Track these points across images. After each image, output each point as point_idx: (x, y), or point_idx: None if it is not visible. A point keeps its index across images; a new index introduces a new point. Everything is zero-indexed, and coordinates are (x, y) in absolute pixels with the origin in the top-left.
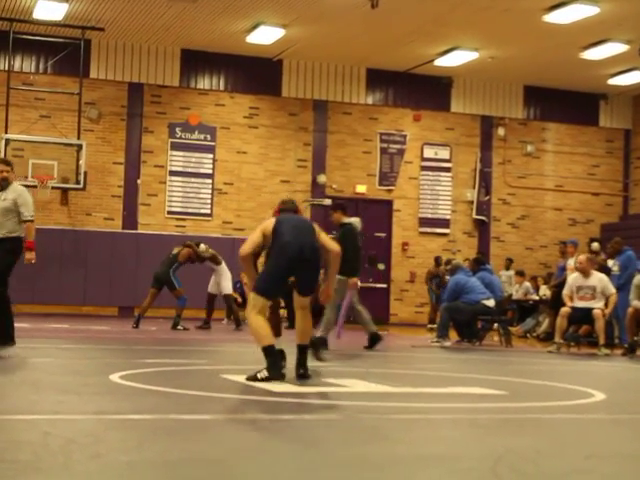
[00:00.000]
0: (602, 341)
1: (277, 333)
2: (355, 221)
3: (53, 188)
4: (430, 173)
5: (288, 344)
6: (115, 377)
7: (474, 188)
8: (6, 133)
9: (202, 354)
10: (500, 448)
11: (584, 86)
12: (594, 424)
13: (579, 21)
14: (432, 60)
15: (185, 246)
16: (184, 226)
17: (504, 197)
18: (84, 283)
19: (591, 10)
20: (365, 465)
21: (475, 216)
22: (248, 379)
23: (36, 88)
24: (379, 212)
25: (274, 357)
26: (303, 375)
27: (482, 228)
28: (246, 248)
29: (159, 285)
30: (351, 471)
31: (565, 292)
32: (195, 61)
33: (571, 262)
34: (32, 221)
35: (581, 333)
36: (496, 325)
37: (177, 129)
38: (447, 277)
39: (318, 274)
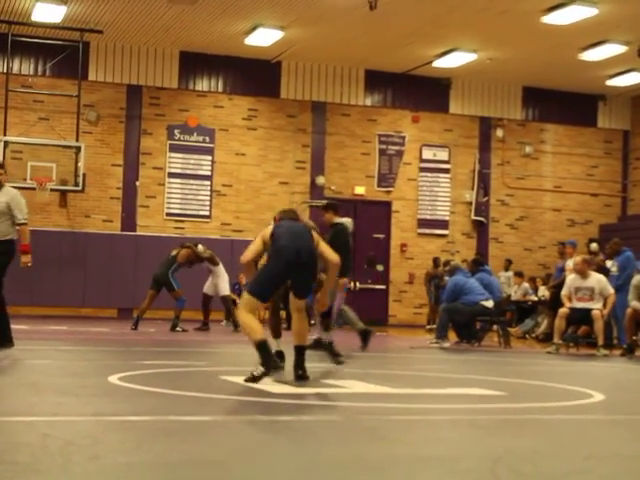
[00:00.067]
0: (601, 342)
1: (277, 334)
2: (347, 221)
3: (52, 190)
4: (429, 174)
5: (287, 345)
6: (114, 379)
7: (473, 189)
8: (5, 135)
9: (201, 355)
10: (499, 449)
11: (583, 87)
12: (593, 425)
13: (578, 22)
14: (431, 61)
15: (184, 247)
16: (183, 228)
17: (503, 198)
18: (83, 285)
19: (590, 11)
20: (364, 466)
21: (474, 217)
22: (246, 380)
23: (35, 90)
24: (378, 213)
25: (267, 351)
26: (302, 376)
27: (481, 229)
28: (248, 255)
29: (158, 286)
30: (350, 472)
31: (563, 293)
32: (194, 63)
33: (570, 263)
34: (26, 224)
35: (580, 334)
36: (495, 326)
37: (176, 131)
38: (446, 278)
39: (314, 277)
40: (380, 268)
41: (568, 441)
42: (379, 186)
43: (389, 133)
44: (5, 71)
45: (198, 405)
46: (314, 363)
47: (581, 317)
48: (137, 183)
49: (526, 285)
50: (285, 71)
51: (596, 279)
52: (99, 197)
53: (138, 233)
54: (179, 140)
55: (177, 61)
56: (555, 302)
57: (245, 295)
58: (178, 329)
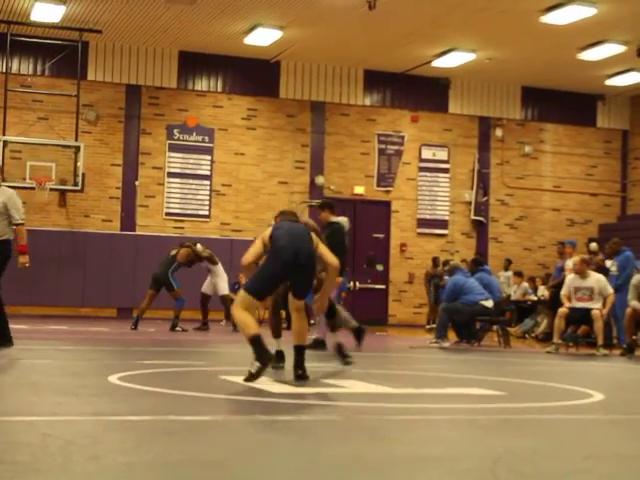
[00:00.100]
0: (600, 341)
1: (277, 334)
2: (343, 220)
3: (51, 190)
4: (428, 174)
5: (287, 344)
6: (113, 378)
7: (472, 189)
8: (4, 135)
9: (200, 355)
10: (499, 449)
11: (582, 87)
12: (592, 424)
13: (576, 22)
14: (430, 61)
15: (183, 247)
16: (182, 227)
17: (502, 198)
18: (82, 285)
19: (588, 11)
20: (364, 466)
21: (473, 217)
22: (246, 380)
23: (34, 90)
24: (377, 213)
25: (260, 345)
26: (301, 376)
27: (480, 229)
28: (248, 257)
29: (157, 286)
30: (350, 472)
31: (563, 293)
32: (193, 63)
33: (569, 263)
34: (23, 224)
35: (579, 333)
36: (495, 326)
37: (175, 131)
38: (446, 278)
39: (313, 278)
40: (380, 268)
41: (568, 441)
42: (378, 186)
43: (388, 133)
44: (4, 71)
45: (198, 405)
46: (314, 363)
47: (580, 317)
48: (136, 183)
49: (525, 285)
50: (284, 71)
51: (595, 279)
52: (98, 197)
53: (137, 233)
54: (178, 140)
55: (176, 61)
56: (555, 302)
57: (241, 292)
58: (178, 329)
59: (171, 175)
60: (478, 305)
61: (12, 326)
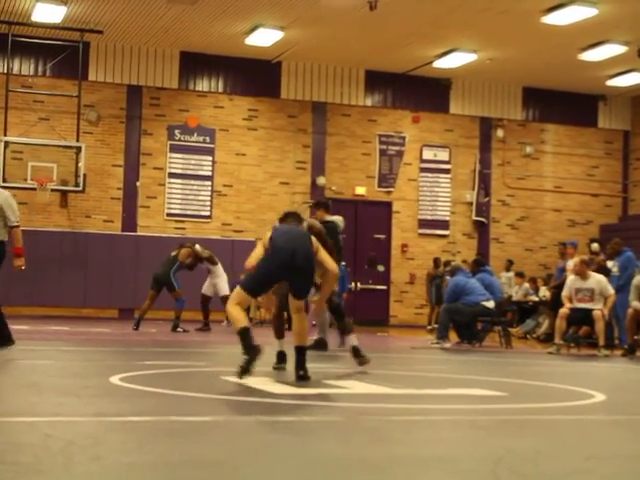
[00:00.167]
0: (602, 342)
1: (280, 335)
2: (338, 219)
3: (52, 190)
4: (429, 174)
5: (289, 345)
6: (115, 379)
7: (473, 189)
8: (5, 136)
9: (202, 356)
10: (500, 449)
11: (583, 87)
12: (594, 425)
13: (577, 22)
14: (431, 62)
15: (183, 247)
16: (183, 228)
17: (503, 198)
18: (84, 285)
19: (589, 11)
20: (365, 466)
21: (474, 217)
22: (238, 375)
23: (35, 91)
24: (378, 214)
25: (247, 338)
26: (303, 377)
27: (481, 229)
28: (251, 261)
29: (158, 286)
30: (351, 472)
31: (564, 294)
32: (194, 63)
33: (570, 263)
34: (18, 226)
35: (581, 334)
36: (496, 326)
37: (176, 131)
38: (447, 278)
39: (312, 279)
40: (381, 268)
41: (569, 441)
42: (380, 186)
43: (389, 133)
44: (5, 71)
45: (199, 405)
46: (315, 364)
47: (582, 317)
48: (137, 183)
49: (527, 285)
50: (285, 71)
51: (596, 280)
52: (100, 197)
53: (139, 233)
54: (179, 140)
55: (177, 61)
56: (556, 302)
57: (237, 288)
58: (179, 329)
59: (172, 176)
60: (479, 306)
61: (13, 327)
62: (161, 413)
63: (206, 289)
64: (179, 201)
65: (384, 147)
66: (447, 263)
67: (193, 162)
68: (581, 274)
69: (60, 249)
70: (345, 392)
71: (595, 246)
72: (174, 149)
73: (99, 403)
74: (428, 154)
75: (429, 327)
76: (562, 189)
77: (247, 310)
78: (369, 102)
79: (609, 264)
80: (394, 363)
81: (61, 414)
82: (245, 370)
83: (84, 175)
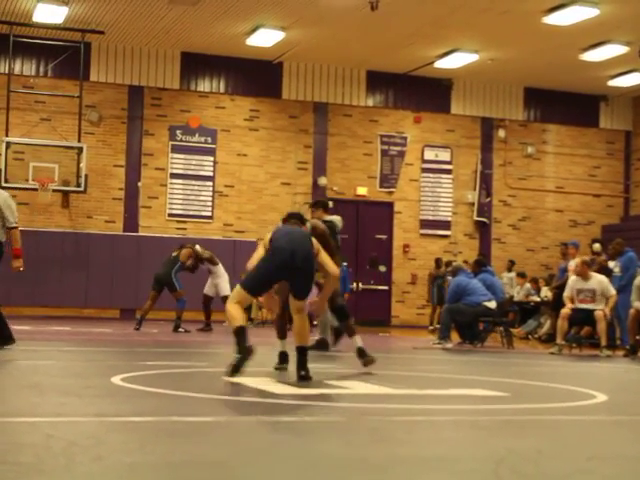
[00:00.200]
0: (604, 342)
1: (282, 335)
2: (336, 219)
3: (54, 191)
4: (431, 175)
5: (290, 346)
6: (117, 379)
7: (475, 190)
8: (7, 136)
9: (203, 356)
10: (502, 450)
11: (584, 88)
12: (596, 425)
13: (579, 23)
14: (432, 62)
15: (183, 247)
16: (185, 228)
17: (505, 199)
18: (85, 285)
19: (591, 12)
20: (367, 466)
21: (476, 218)
22: (228, 374)
23: (36, 91)
24: (380, 214)
25: (242, 338)
26: (304, 377)
27: (483, 230)
28: (253, 262)
29: (159, 287)
30: (353, 472)
31: (566, 294)
32: (195, 64)
33: (572, 263)
34: (17, 227)
35: (583, 334)
36: (498, 327)
37: (177, 132)
38: (449, 278)
39: (312, 279)
40: (383, 269)
41: (571, 442)
42: (381, 187)
43: (391, 134)
44: (7, 72)
45: (201, 406)
46: (316, 364)
47: (584, 318)
48: (139, 184)
49: (528, 286)
50: (287, 72)
51: (597, 280)
52: (101, 198)
53: (140, 234)
54: (181, 141)
55: (178, 62)
56: (558, 303)
57: (237, 287)
58: (181, 330)
59: (174, 176)
60: (481, 306)
61: (15, 327)
62: (162, 413)
63: (208, 289)
64: (180, 201)
65: (385, 147)
66: (449, 263)
67: (194, 162)
68: (582, 275)
69: (62, 249)
70: (346, 392)
71: (597, 246)
72: (175, 149)
73: (100, 403)
74: (429, 154)
75: (431, 327)
76: (564, 189)
77: (249, 310)
78: (370, 102)
79: (611, 264)
80: (396, 363)
81: (63, 414)
82: (236, 369)
83: (85, 175)
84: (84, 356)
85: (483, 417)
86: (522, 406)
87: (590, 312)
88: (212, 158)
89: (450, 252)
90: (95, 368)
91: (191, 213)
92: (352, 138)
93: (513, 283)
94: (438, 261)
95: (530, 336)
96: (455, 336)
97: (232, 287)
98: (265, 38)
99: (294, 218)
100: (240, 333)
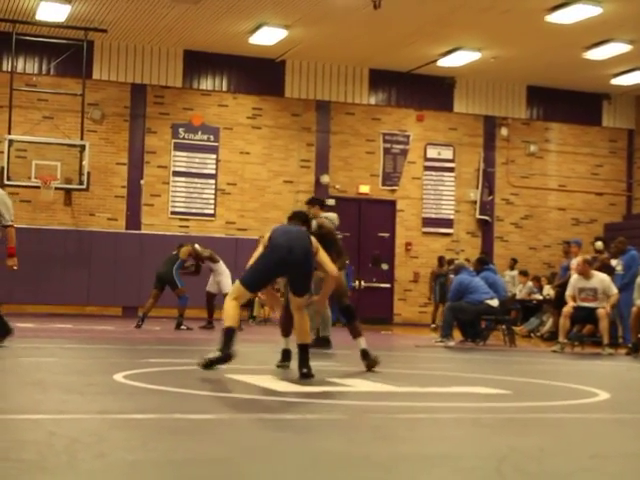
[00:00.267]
0: (606, 341)
1: (286, 333)
2: (332, 217)
3: (56, 189)
4: (433, 173)
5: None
6: (119, 377)
7: (477, 188)
8: (9, 134)
9: (205, 354)
10: (504, 447)
11: (587, 86)
12: (598, 423)
13: (582, 21)
14: (435, 60)
15: (182, 246)
16: (187, 226)
17: (507, 197)
18: (88, 283)
19: (594, 10)
20: (369, 464)
21: (478, 216)
22: (201, 364)
23: (39, 89)
24: (382, 212)
25: (230, 340)
26: (306, 374)
27: (485, 228)
28: (252, 261)
29: (161, 285)
30: (355, 470)
31: (568, 293)
32: (198, 62)
33: (574, 262)
34: (12, 226)
35: (585, 333)
36: (500, 325)
37: (180, 130)
38: (451, 276)
39: (310, 276)
40: (385, 267)
41: (573, 440)
42: (384, 185)
43: (393, 132)
44: (9, 70)
45: (203, 403)
46: (319, 362)
47: (586, 316)
48: (142, 182)
49: (531, 284)
50: (289, 70)
51: (599, 279)
52: (104, 195)
53: (143, 231)
54: (183, 139)
55: (181, 60)
56: (560, 301)
57: (236, 283)
58: (183, 327)
59: (176, 174)
60: (483, 304)
61: (18, 325)
62: (165, 411)
63: (210, 287)
64: (183, 199)
65: (388, 146)
66: (451, 261)
67: (197, 160)
68: (584, 274)
69: (64, 247)
70: (349, 390)
71: (599, 244)
72: (178, 147)
73: (103, 401)
74: (432, 153)
75: (433, 325)
76: (566, 188)
77: (251, 308)
78: (373, 101)
79: (613, 263)
80: (398, 361)
81: (65, 412)
82: (210, 365)
83: (88, 173)
84: (86, 353)
85: (485, 415)
86: (524, 404)
87: (592, 310)
88: (215, 156)
89: (452, 250)
90: (97, 365)
91: (193, 211)
92: (355, 136)
93: (515, 281)
94: (441, 259)
95: (532, 334)
96: (457, 334)
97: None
98: (268, 36)
99: (297, 217)
100: (228, 334)
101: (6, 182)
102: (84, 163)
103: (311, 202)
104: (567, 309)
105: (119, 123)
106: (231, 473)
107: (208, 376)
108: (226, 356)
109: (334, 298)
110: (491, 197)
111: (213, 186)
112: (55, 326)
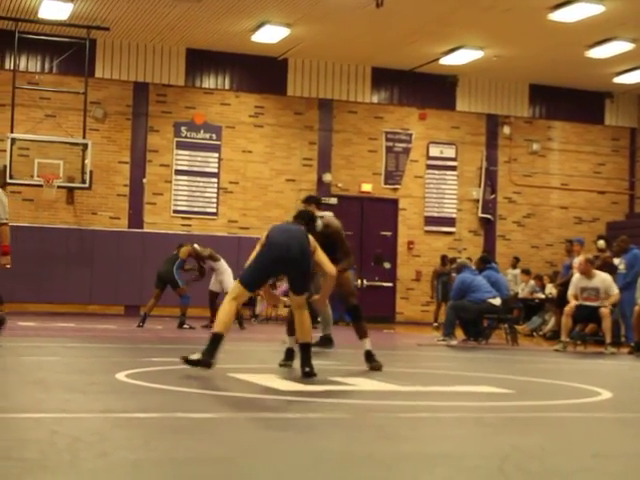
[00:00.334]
0: (608, 340)
1: (291, 332)
2: (328, 215)
3: (59, 187)
4: (436, 172)
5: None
6: (121, 376)
7: (480, 186)
8: (12, 133)
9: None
10: (507, 446)
11: (589, 84)
12: (600, 423)
13: (584, 19)
14: (437, 59)
15: (182, 246)
16: (190, 225)
17: (510, 195)
18: (90, 282)
19: (596, 8)
20: (372, 463)
21: (481, 214)
22: (183, 359)
23: (41, 87)
24: (385, 211)
25: (214, 345)
26: (309, 373)
27: (488, 226)
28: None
29: (162, 284)
30: (358, 469)
31: (570, 292)
32: (200, 60)
33: (577, 261)
34: (6, 224)
35: (587, 332)
36: (502, 324)
37: (182, 128)
38: (453, 275)
39: (308, 273)
40: (387, 266)
41: (576, 439)
42: (386, 183)
43: (396, 130)
44: (12, 68)
45: (205, 402)
46: (321, 361)
47: (588, 315)
48: (144, 180)
49: (533, 283)
50: (292, 68)
51: (601, 279)
52: (106, 194)
53: (145, 230)
54: (186, 137)
55: (183, 58)
56: (562, 300)
57: (235, 282)
58: (185, 326)
59: (179, 173)
60: (486, 303)
61: (20, 323)
62: (167, 410)
63: (213, 286)
64: (185, 198)
65: (390, 144)
66: (453, 260)
67: (199, 159)
68: (586, 273)
69: (66, 246)
70: (351, 389)
71: (601, 243)
72: (180, 146)
73: (105, 400)
74: (434, 151)
75: (435, 324)
76: (569, 186)
77: (253, 306)
78: (375, 99)
79: (616, 261)
80: (400, 360)
81: (67, 410)
82: (189, 364)
83: (90, 172)
84: (89, 352)
85: (488, 414)
86: (527, 403)
87: (594, 309)
88: (217, 155)
89: (455, 249)
90: (100, 364)
91: (196, 210)
92: (357, 135)
93: (518, 280)
94: (444, 258)
95: (535, 333)
96: (460, 333)
97: None
98: (270, 35)
99: (300, 217)
100: (215, 341)
101: (9, 180)
102: (86, 162)
103: (307, 200)
104: (569, 308)
105: (121, 122)
106: (233, 472)
107: (210, 375)
108: (206, 363)
109: (341, 297)
110: (493, 196)
111: (215, 185)
112: (57, 325)
